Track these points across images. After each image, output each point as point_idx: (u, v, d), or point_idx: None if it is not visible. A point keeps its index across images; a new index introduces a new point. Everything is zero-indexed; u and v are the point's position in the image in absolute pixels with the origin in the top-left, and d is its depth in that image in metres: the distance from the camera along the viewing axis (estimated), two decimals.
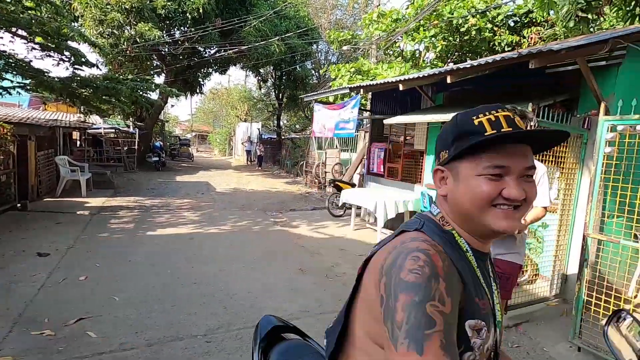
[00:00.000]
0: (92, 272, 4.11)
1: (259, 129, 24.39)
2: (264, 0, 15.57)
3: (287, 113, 25.39)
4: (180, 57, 14.98)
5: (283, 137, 21.14)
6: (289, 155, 18.00)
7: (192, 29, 13.55)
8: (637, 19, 4.06)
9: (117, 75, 10.38)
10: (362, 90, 6.80)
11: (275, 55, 14.96)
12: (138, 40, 12.63)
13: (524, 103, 3.42)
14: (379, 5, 11.31)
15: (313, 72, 21.71)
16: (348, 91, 7.66)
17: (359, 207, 7.10)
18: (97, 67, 9.24)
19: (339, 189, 7.59)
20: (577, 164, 3.76)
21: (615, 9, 4.49)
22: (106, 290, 3.67)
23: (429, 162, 6.22)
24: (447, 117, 4.61)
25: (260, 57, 15.12)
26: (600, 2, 3.92)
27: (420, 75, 5.07)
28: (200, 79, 18.55)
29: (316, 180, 12.32)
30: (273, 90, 22.31)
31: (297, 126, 26.41)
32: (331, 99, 10.02)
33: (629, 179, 2.80)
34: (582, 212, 3.45)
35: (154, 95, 14.24)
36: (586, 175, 3.72)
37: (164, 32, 13.50)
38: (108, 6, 12.06)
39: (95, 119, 13.41)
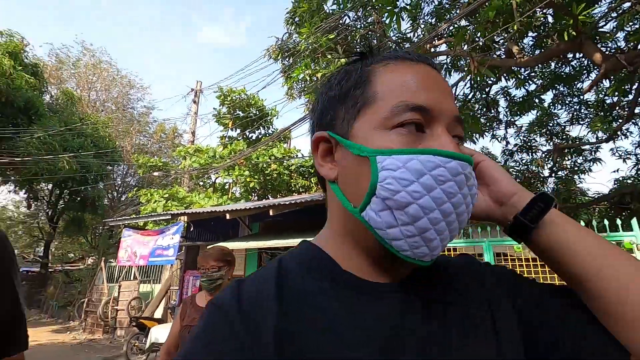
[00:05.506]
0: None
1: None
2: (52, 113, 14.46)
3: (61, 239, 20.73)
4: None
5: (52, 270, 16.97)
6: (59, 293, 13.93)
7: None
8: None
9: None
10: (185, 217, 7.04)
11: (63, 171, 12.59)
12: None
13: None
14: (194, 141, 13.39)
15: (106, 193, 19.52)
16: (170, 217, 7.80)
17: None
18: None
19: (143, 328, 6.31)
20: None
21: None
22: None
23: None
24: (265, 244, 5.59)
25: (42, 172, 12.52)
26: None
27: (248, 207, 6.00)
28: None
29: (102, 322, 9.57)
30: (46, 211, 17.77)
31: (72, 255, 21.00)
32: (140, 224, 10.01)
33: None
34: None
35: None
36: None
37: None
38: None
39: None
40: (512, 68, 6.50)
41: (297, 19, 5.76)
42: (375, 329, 0.42)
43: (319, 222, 0.54)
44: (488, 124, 8.33)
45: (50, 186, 16.28)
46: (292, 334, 0.40)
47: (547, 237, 0.47)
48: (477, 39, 4.89)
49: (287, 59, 5.73)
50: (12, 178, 14.25)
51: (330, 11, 5.43)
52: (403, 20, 3.84)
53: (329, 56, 4.64)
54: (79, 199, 16.02)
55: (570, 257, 0.45)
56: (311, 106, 0.57)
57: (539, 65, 6.81)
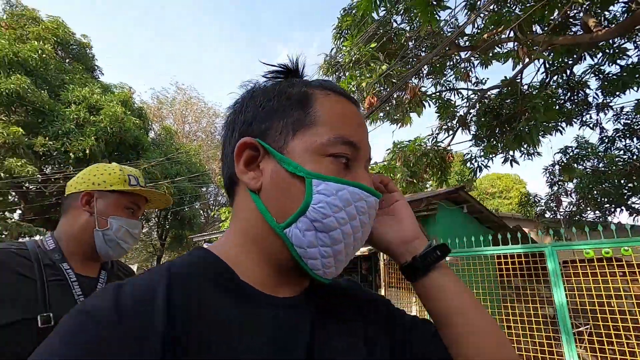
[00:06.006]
0: None
1: None
2: (155, 146, 16.36)
3: (169, 254, 23.24)
4: (47, 194, 12.64)
5: None
6: None
7: (73, 168, 12.13)
8: (445, 183, 6.25)
9: None
10: None
11: None
12: (1, 175, 11.19)
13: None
14: None
15: (201, 212, 21.78)
16: None
17: None
18: None
19: None
20: None
21: (432, 175, 6.39)
22: None
23: None
24: None
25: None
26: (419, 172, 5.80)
27: None
28: None
29: None
30: (156, 229, 20.69)
31: None
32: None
33: None
34: None
35: None
36: None
37: (38, 168, 12.25)
38: None
39: None
40: (599, 43, 5.60)
41: (344, 31, 5.87)
42: (268, 341, 0.41)
43: None
44: (577, 109, 7.20)
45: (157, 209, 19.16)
46: (181, 345, 0.36)
47: (431, 279, 0.53)
48: (537, 19, 4.36)
49: (335, 73, 5.87)
50: None
51: (378, 19, 5.41)
52: (439, 16, 3.63)
53: (372, 64, 4.62)
54: (179, 218, 18.63)
55: (442, 297, 0.52)
56: (232, 108, 0.52)
57: (632, 34, 5.71)
